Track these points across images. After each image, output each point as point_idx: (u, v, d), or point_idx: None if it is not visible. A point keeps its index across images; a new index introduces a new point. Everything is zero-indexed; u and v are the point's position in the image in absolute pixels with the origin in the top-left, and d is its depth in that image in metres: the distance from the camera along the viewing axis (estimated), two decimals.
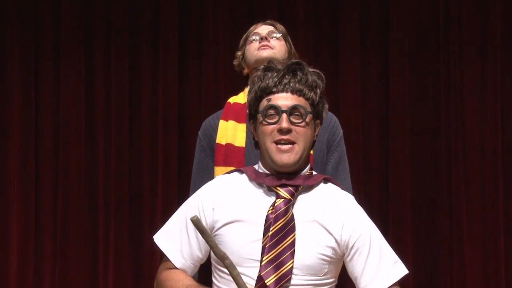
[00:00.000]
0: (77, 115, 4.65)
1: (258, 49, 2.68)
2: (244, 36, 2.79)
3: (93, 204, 4.64)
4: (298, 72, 2.15)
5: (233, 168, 2.41)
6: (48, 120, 4.67)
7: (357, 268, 2.14)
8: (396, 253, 2.21)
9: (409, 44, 4.64)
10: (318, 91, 2.17)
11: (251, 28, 2.79)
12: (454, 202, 4.59)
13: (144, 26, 4.70)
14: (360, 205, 2.22)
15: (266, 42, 2.69)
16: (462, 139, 4.61)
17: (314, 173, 2.21)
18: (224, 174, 2.27)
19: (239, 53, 2.78)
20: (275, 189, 2.13)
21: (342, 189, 2.24)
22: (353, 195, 2.31)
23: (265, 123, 2.12)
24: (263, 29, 2.76)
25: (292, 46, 2.77)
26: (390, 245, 2.18)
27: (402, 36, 4.63)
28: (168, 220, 2.23)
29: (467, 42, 4.63)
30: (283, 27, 2.78)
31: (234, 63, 2.80)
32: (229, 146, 2.63)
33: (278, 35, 2.72)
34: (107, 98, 4.68)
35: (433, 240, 4.59)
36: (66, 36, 4.68)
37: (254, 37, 2.72)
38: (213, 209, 2.14)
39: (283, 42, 2.73)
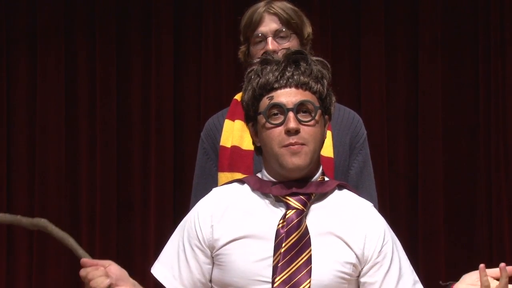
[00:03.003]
0: (56, 113, 4.59)
1: None
2: (245, 24, 2.58)
3: (75, 217, 4.58)
4: (301, 63, 2.07)
5: (239, 174, 2.42)
6: (22, 119, 4.62)
7: (371, 286, 2.06)
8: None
9: (441, 29, 4.57)
10: (325, 82, 2.09)
11: (252, 16, 2.57)
12: (494, 213, 4.50)
13: (133, 7, 4.65)
14: (385, 217, 2.14)
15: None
16: (503, 139, 4.52)
17: (327, 178, 2.15)
18: (222, 185, 2.21)
19: (243, 47, 2.65)
20: (284, 199, 2.06)
21: (361, 196, 2.19)
22: (378, 204, 2.29)
23: (270, 125, 2.05)
24: (267, 26, 2.56)
25: (304, 28, 2.59)
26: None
27: (434, 19, 4.57)
28: (165, 246, 2.19)
29: (511, 25, 4.56)
30: (288, 14, 2.57)
31: (239, 55, 2.69)
32: (235, 149, 2.56)
33: (286, 39, 2.53)
34: (91, 92, 4.61)
35: (471, 258, 4.47)
36: (43, 19, 4.61)
37: (258, 39, 2.56)
38: (212, 226, 2.08)
39: (294, 42, 2.58)
